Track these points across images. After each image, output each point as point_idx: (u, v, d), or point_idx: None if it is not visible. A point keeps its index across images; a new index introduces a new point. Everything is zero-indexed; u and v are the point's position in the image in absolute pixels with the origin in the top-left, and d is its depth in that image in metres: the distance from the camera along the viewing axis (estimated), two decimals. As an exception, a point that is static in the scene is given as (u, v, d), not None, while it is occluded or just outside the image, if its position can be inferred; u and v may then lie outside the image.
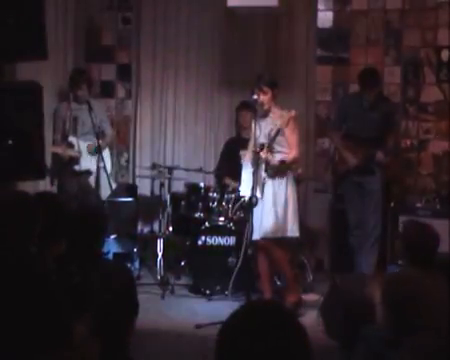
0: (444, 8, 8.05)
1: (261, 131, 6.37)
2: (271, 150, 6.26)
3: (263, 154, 6.17)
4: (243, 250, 6.47)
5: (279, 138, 6.29)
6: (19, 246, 3.30)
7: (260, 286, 6.67)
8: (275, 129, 6.25)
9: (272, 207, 6.33)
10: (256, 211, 6.28)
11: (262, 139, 6.33)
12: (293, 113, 6.29)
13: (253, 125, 6.37)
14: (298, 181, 6.76)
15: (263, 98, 6.36)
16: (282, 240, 6.42)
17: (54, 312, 3.14)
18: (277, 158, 6.30)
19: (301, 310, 6.35)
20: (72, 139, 7.51)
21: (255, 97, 6.42)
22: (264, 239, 6.36)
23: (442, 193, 7.86)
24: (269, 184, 6.32)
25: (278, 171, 6.31)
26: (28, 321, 3.06)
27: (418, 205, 7.59)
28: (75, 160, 7.50)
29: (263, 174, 6.26)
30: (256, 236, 6.33)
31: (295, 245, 7.06)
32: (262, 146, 6.20)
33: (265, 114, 6.46)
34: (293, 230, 6.40)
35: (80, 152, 7.49)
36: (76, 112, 7.54)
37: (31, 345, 3.03)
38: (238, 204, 7.11)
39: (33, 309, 3.09)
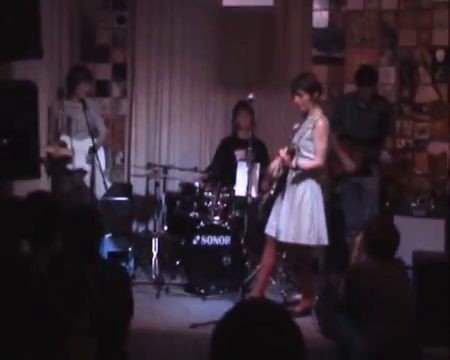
0: (439, 8, 8.06)
1: (297, 132, 6.32)
2: (292, 154, 6.23)
3: (282, 154, 6.19)
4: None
5: (306, 142, 6.24)
6: (11, 247, 3.29)
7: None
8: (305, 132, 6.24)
9: (288, 212, 6.30)
10: (276, 209, 6.32)
11: (295, 139, 6.31)
12: (320, 122, 6.24)
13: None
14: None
15: (298, 100, 6.25)
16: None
17: (49, 313, 3.14)
18: (300, 161, 6.26)
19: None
20: (65, 138, 7.50)
21: (251, 96, 6.42)
22: (273, 238, 6.37)
23: (437, 193, 7.87)
24: (288, 188, 6.30)
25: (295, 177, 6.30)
26: (23, 322, 3.06)
27: (413, 205, 7.59)
28: (68, 159, 7.49)
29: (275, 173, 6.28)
30: (270, 232, 6.35)
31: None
32: (293, 147, 6.21)
33: (304, 116, 6.35)
34: (310, 238, 6.22)
35: (73, 151, 7.47)
36: (70, 111, 7.53)
37: (26, 347, 3.03)
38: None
39: (28, 310, 3.08)
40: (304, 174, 6.21)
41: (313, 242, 6.24)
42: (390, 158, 7.25)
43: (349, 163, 7.11)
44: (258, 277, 6.62)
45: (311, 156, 6.20)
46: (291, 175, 6.25)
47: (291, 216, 6.22)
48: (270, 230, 6.37)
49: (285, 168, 6.27)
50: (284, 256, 7.08)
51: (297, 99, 6.25)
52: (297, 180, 6.23)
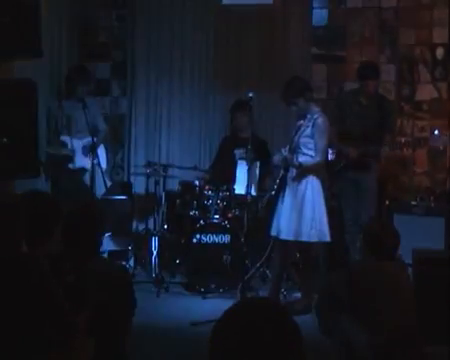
0: (439, 6, 8.06)
1: (299, 129, 6.33)
2: (293, 150, 6.25)
3: (284, 152, 6.19)
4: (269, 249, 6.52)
5: (305, 140, 6.26)
6: (10, 246, 3.28)
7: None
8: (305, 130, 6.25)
9: (289, 209, 6.29)
10: (278, 209, 6.33)
11: (296, 137, 6.33)
12: (319, 120, 6.26)
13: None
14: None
15: (295, 108, 6.33)
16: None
17: (53, 311, 3.13)
18: (301, 159, 6.27)
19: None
20: (65, 138, 7.50)
21: (250, 95, 6.42)
22: (278, 238, 6.37)
23: (437, 191, 7.87)
24: (289, 186, 6.30)
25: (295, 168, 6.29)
26: (26, 321, 3.06)
27: (413, 203, 7.59)
28: (69, 158, 7.49)
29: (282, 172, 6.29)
30: (275, 232, 6.36)
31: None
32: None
33: (303, 116, 6.37)
34: (311, 235, 6.25)
35: (74, 150, 7.47)
36: (70, 110, 7.53)
37: (28, 346, 3.03)
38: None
39: (31, 309, 3.08)
40: (305, 171, 6.23)
41: (314, 238, 6.27)
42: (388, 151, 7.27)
43: (351, 150, 7.08)
44: (272, 280, 6.68)
45: (311, 153, 6.23)
46: (292, 173, 6.27)
47: (292, 213, 6.23)
48: (275, 231, 6.41)
49: (285, 168, 6.30)
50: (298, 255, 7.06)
51: (294, 108, 6.33)
52: (298, 178, 6.26)
